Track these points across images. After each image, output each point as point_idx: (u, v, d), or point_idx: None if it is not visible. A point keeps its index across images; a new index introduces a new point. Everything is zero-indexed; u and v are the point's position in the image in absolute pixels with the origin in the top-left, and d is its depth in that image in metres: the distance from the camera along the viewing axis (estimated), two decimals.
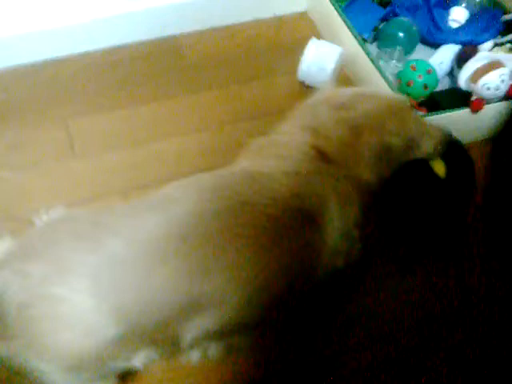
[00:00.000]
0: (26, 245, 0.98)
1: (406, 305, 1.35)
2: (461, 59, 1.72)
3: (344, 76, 1.82)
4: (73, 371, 0.92)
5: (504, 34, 1.83)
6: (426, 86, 1.68)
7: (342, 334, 1.30)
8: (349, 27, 1.75)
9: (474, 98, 1.58)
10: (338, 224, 1.05)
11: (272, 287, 1.00)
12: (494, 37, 1.82)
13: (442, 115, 1.56)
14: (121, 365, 0.97)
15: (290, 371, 1.25)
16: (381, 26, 1.88)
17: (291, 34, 1.93)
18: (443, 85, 1.78)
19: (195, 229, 0.94)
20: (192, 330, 0.96)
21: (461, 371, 1.27)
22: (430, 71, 1.69)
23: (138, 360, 0.97)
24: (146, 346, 0.96)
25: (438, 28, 1.87)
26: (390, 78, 1.68)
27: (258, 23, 1.95)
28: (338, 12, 1.79)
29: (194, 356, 1.05)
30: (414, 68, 1.68)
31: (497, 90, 1.55)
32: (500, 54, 1.73)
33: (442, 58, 1.79)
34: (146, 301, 0.90)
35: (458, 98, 1.62)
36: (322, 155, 1.09)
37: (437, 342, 1.31)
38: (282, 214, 0.99)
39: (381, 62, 1.74)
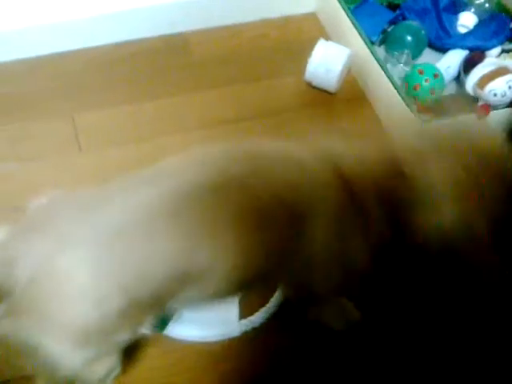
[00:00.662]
0: (27, 221, 0.99)
1: None
2: (468, 65, 1.72)
3: (351, 78, 1.82)
4: (79, 347, 0.92)
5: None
6: (432, 91, 1.67)
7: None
8: (357, 29, 1.75)
9: (480, 103, 1.58)
10: (328, 227, 1.03)
11: (251, 268, 1.00)
12: (502, 43, 1.82)
13: (448, 121, 1.56)
14: (125, 337, 0.98)
15: (288, 369, 1.26)
16: (389, 29, 1.87)
17: (299, 35, 1.93)
18: (450, 90, 1.77)
19: (187, 203, 0.95)
20: (178, 300, 0.98)
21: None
22: (437, 76, 1.69)
23: (142, 329, 0.98)
24: (146, 317, 0.97)
25: (446, 33, 1.86)
26: (397, 81, 1.68)
27: (265, 23, 1.95)
28: (347, 13, 1.79)
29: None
30: (421, 72, 1.68)
31: (503, 96, 1.55)
32: (507, 61, 1.73)
33: (450, 62, 1.79)
34: (141, 272, 0.91)
35: (465, 103, 1.62)
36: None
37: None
38: (273, 200, 0.99)
39: (388, 65, 1.74)
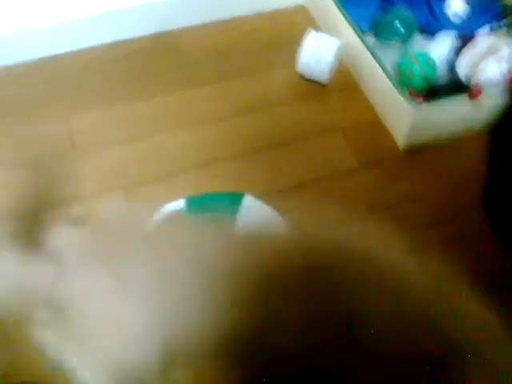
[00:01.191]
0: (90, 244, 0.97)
1: None
2: (459, 48, 1.72)
3: (343, 68, 1.82)
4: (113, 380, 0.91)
5: (501, 19, 1.83)
6: (424, 77, 1.68)
7: None
8: (347, 19, 1.75)
9: (472, 86, 1.58)
10: None
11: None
12: (491, 23, 1.82)
13: (441, 104, 1.57)
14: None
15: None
16: (379, 18, 1.88)
17: (289, 27, 1.94)
18: (442, 75, 1.78)
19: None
20: None
21: None
22: (428, 62, 1.69)
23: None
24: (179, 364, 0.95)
25: (435, 18, 1.87)
26: (389, 69, 1.69)
27: (256, 17, 1.96)
28: (336, 4, 1.80)
29: None
30: (412, 59, 1.69)
31: (495, 74, 1.55)
32: (498, 40, 1.73)
33: (441, 48, 1.79)
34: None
35: (458, 90, 1.62)
36: None
37: None
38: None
39: (379, 54, 1.74)
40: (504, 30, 1.80)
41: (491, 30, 1.81)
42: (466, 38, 1.77)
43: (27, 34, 1.73)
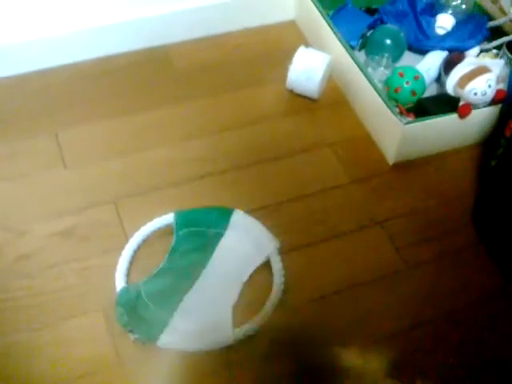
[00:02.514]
0: None
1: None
2: (448, 65, 1.73)
3: (333, 84, 1.83)
4: None
5: (490, 40, 1.85)
6: (413, 92, 1.69)
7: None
8: (336, 35, 1.76)
9: (461, 103, 1.59)
10: None
11: None
12: (480, 43, 1.84)
13: (431, 121, 1.57)
14: None
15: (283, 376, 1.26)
16: (368, 34, 1.89)
17: (279, 43, 1.94)
18: (431, 91, 1.79)
19: None
20: None
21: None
22: (417, 77, 1.70)
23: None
24: None
25: (424, 35, 1.88)
26: (379, 84, 1.69)
27: (246, 32, 1.96)
28: (326, 20, 1.81)
29: None
30: (401, 74, 1.70)
31: (484, 95, 1.56)
32: (486, 60, 1.74)
33: (430, 64, 1.80)
34: None
35: (446, 103, 1.63)
36: None
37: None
38: None
39: (369, 70, 1.75)
40: (493, 51, 1.81)
41: (481, 51, 1.82)
42: (455, 54, 1.79)
43: (15, 47, 1.73)
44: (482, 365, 1.29)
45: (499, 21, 1.87)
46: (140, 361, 1.25)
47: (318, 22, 1.85)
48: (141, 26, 1.84)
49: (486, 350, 1.31)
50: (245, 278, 1.36)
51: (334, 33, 1.77)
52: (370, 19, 1.91)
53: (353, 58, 1.70)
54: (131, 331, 1.26)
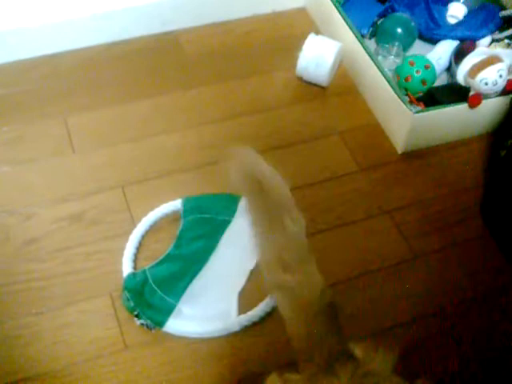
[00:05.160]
0: None
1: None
2: (459, 55, 1.73)
3: (343, 71, 1.82)
4: None
5: (502, 29, 1.84)
6: (424, 82, 1.68)
7: None
8: (347, 23, 1.75)
9: (472, 93, 1.58)
10: None
11: None
12: (492, 32, 1.82)
13: (441, 111, 1.57)
14: None
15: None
16: (379, 22, 1.88)
17: (290, 30, 1.94)
18: (441, 80, 1.78)
19: None
20: None
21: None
22: (428, 66, 1.69)
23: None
24: None
25: (436, 24, 1.87)
26: (389, 73, 1.69)
27: (256, 19, 1.95)
28: (337, 7, 1.80)
29: None
30: (412, 63, 1.69)
31: (495, 85, 1.55)
32: (498, 50, 1.73)
33: (441, 53, 1.79)
34: None
35: (456, 93, 1.62)
36: None
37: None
38: None
39: (379, 58, 1.74)
40: (505, 40, 1.80)
41: (493, 40, 1.81)
42: (466, 44, 1.78)
43: (24, 32, 1.73)
44: (490, 357, 1.29)
45: (511, 10, 1.85)
46: (146, 345, 1.25)
47: (328, 10, 1.84)
48: (151, 12, 1.83)
49: (495, 341, 1.31)
50: (252, 265, 1.37)
51: (345, 20, 1.76)
52: (381, 7, 1.90)
53: (363, 46, 1.70)
54: (137, 316, 1.27)
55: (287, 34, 1.92)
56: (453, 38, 1.82)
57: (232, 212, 1.45)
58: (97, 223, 1.43)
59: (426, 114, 1.56)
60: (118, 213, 1.46)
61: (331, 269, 1.39)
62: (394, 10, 1.89)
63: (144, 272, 1.33)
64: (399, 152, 1.63)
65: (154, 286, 1.31)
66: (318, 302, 0.88)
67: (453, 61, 1.75)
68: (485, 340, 1.32)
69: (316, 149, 1.63)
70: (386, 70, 1.66)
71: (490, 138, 1.69)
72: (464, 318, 1.35)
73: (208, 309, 1.30)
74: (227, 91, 1.74)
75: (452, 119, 1.61)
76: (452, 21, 1.87)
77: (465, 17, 1.88)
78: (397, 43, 1.78)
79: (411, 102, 1.64)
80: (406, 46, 1.83)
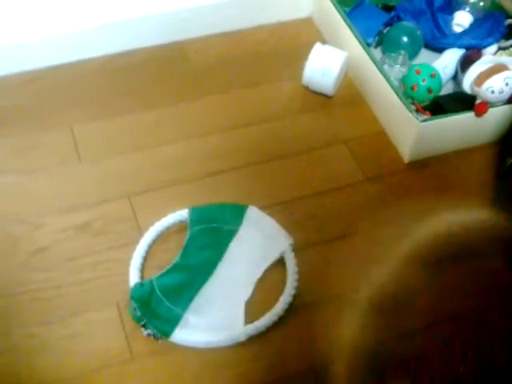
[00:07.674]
0: None
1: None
2: (465, 63, 1.72)
3: (349, 81, 1.82)
4: None
5: (508, 37, 1.84)
6: (430, 90, 1.68)
7: None
8: (353, 32, 1.76)
9: (478, 101, 1.58)
10: None
11: None
12: (498, 41, 1.82)
13: (447, 119, 1.56)
14: None
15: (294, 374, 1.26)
16: (385, 31, 1.88)
17: (295, 40, 1.94)
18: (447, 89, 1.78)
19: None
20: None
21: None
22: (434, 75, 1.69)
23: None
24: None
25: (441, 32, 1.87)
26: (395, 82, 1.69)
27: (262, 29, 1.96)
28: (343, 17, 1.80)
29: None
30: (418, 72, 1.69)
31: (501, 93, 1.55)
32: (504, 58, 1.73)
33: (447, 62, 1.79)
34: None
35: (463, 101, 1.62)
36: None
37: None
38: None
39: (385, 67, 1.74)
40: (511, 48, 1.80)
41: (499, 49, 1.81)
42: (472, 52, 1.78)
43: (31, 43, 1.73)
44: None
45: None
46: (152, 355, 1.25)
47: (334, 19, 1.84)
48: (157, 22, 1.84)
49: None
50: (258, 274, 1.36)
51: (351, 30, 1.76)
52: (386, 16, 1.90)
53: (369, 55, 1.70)
54: (144, 326, 1.27)
55: (293, 43, 1.92)
56: (459, 47, 1.82)
57: (239, 222, 1.45)
58: (104, 233, 1.44)
59: (432, 122, 1.56)
60: (125, 222, 1.46)
61: (337, 279, 1.39)
62: (399, 19, 1.89)
63: (151, 282, 1.33)
64: (406, 161, 1.63)
65: (160, 295, 1.31)
66: None
67: (459, 69, 1.75)
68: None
69: (322, 158, 1.63)
70: (391, 78, 1.66)
71: (497, 147, 1.68)
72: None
73: (215, 318, 1.30)
74: (233, 101, 1.75)
75: (458, 128, 1.61)
76: (458, 29, 1.87)
77: (470, 25, 1.87)
78: (403, 52, 1.78)
79: (417, 111, 1.64)
80: (412, 55, 1.83)
